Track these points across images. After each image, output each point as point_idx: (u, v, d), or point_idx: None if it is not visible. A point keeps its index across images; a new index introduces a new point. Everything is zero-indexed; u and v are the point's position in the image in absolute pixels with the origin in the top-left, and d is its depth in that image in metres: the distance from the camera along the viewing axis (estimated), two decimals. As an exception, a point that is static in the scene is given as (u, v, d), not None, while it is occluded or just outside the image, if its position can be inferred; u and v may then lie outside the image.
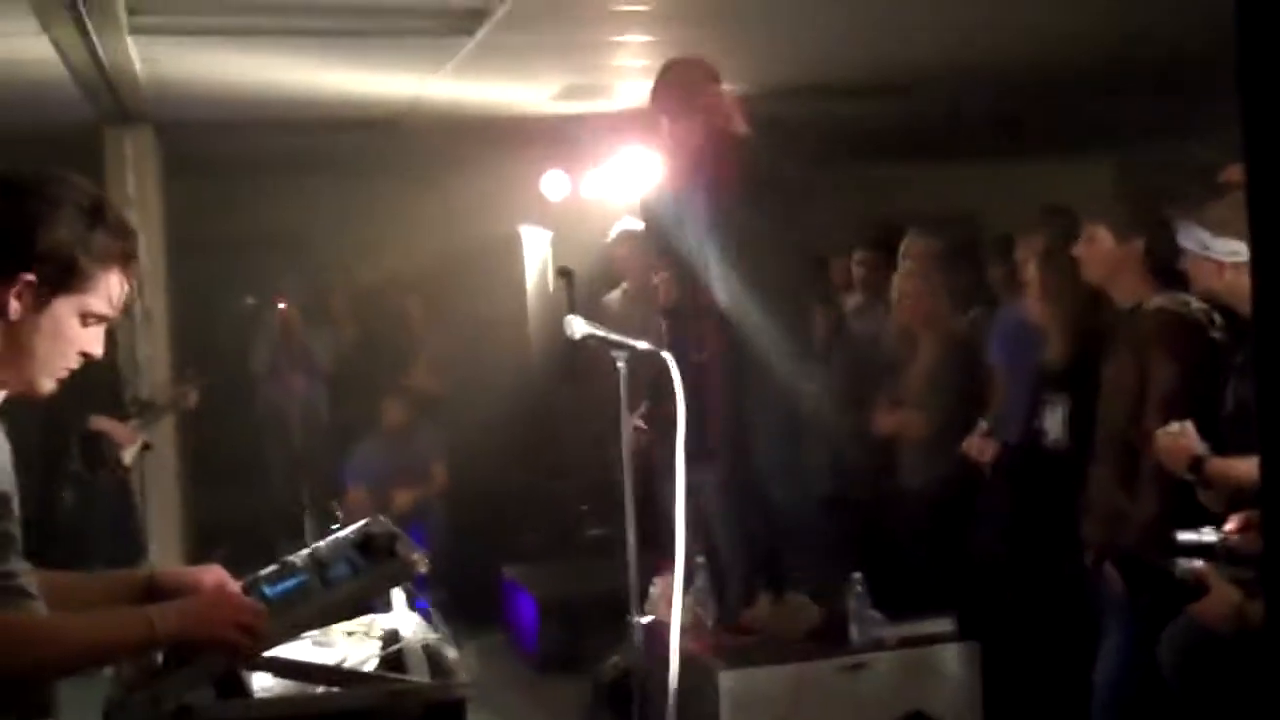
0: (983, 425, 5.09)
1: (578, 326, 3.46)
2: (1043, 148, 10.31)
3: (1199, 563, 3.14)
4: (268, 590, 2.50)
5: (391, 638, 2.77)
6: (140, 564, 7.49)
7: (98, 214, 2.14)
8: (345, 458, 8.51)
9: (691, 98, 4.76)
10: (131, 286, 2.20)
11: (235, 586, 2.43)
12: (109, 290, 2.16)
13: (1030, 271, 4.83)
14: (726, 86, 4.88)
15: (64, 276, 2.11)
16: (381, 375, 8.87)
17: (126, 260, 2.17)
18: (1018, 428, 4.80)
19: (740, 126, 4.80)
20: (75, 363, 2.18)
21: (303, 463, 8.46)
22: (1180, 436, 3.45)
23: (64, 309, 2.12)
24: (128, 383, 7.49)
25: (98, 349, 2.19)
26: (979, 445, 5.06)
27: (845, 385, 5.90)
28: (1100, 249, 4.28)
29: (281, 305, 9.11)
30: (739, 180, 4.66)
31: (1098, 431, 4.28)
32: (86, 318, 2.15)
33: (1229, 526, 3.16)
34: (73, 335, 2.14)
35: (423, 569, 2.47)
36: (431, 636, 2.80)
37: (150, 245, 8.05)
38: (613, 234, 7.13)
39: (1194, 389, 3.84)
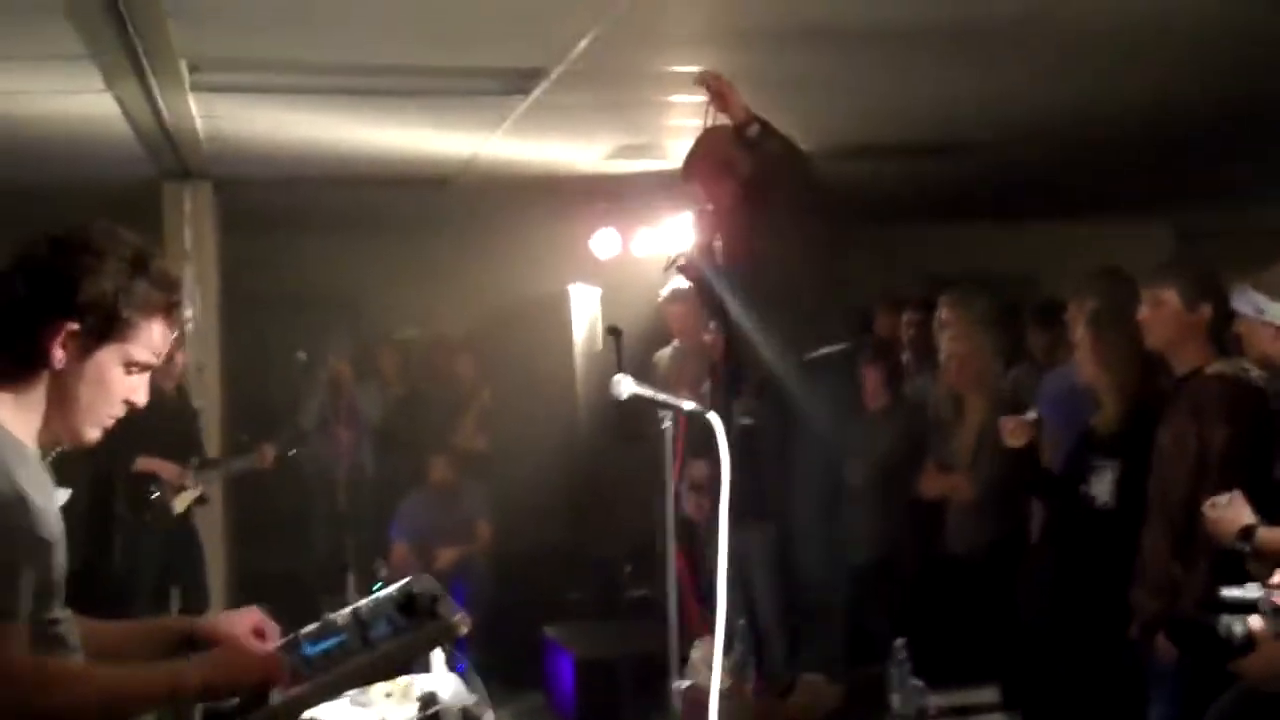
0: (1030, 414, 4.99)
1: (624, 386, 3.44)
2: (1100, 211, 10.27)
3: (1249, 618, 3.08)
4: (308, 648, 2.49)
5: (430, 700, 2.75)
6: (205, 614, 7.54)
7: (140, 265, 2.19)
8: (391, 514, 8.52)
9: (718, 163, 4.82)
10: (175, 335, 2.24)
11: (273, 629, 2.46)
12: (152, 339, 2.21)
13: (1079, 333, 4.77)
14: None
15: (107, 326, 2.16)
16: (429, 433, 8.88)
17: (169, 310, 2.22)
18: (1067, 481, 4.73)
19: (774, 146, 4.83)
20: (120, 410, 2.23)
21: (347, 519, 8.47)
22: (1229, 508, 3.39)
23: (107, 358, 2.18)
24: (193, 437, 7.54)
25: (141, 397, 2.25)
26: (1014, 425, 4.95)
27: (898, 447, 5.86)
28: (1167, 313, 4.24)
29: (333, 361, 9.18)
30: (781, 201, 4.72)
31: (1151, 497, 4.22)
32: (130, 366, 2.21)
33: (1274, 580, 3.10)
34: (116, 383, 2.20)
35: (464, 631, 2.45)
36: (469, 699, 2.78)
37: (205, 299, 8.17)
38: (665, 291, 7.13)
39: (1252, 456, 3.79)
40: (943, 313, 5.70)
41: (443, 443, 8.68)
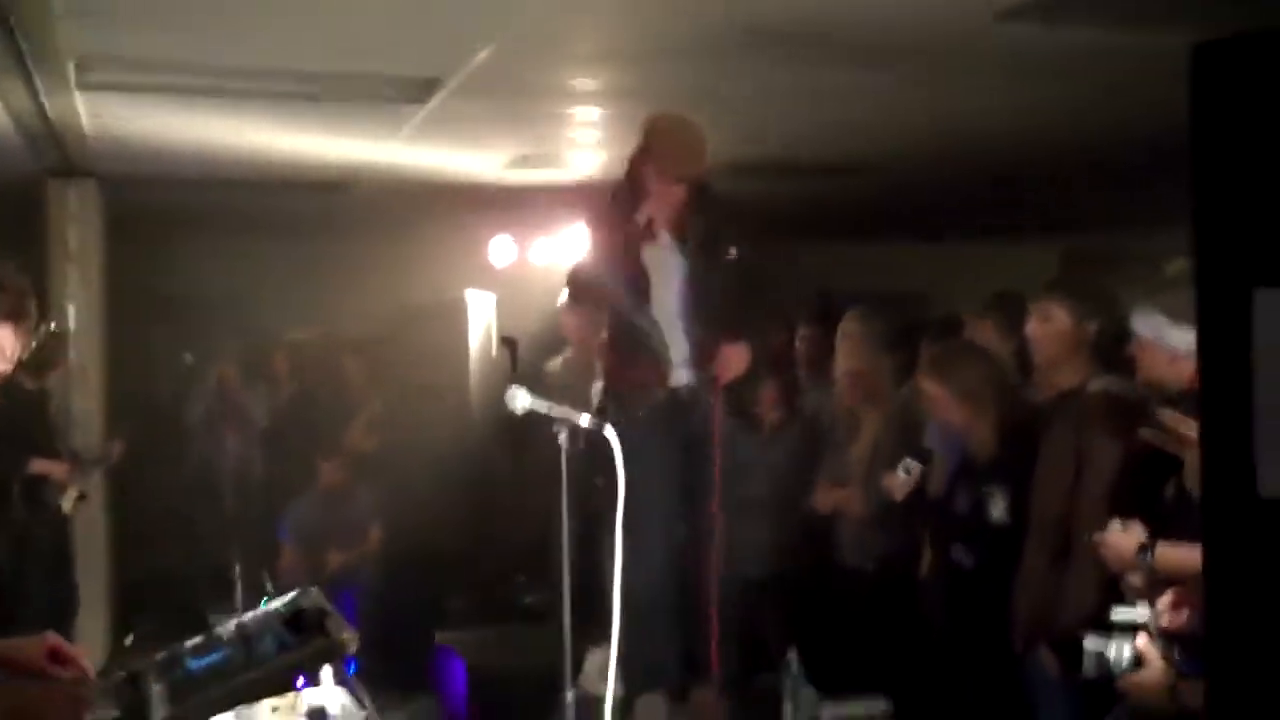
0: (907, 464, 5.01)
1: (520, 400, 3.43)
2: (992, 231, 10.44)
3: (1137, 639, 3.13)
4: (192, 664, 2.43)
5: (318, 714, 2.69)
6: (74, 618, 7.34)
7: None
8: (280, 516, 8.38)
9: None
10: (24, 342, 2.17)
11: (74, 653, 2.41)
12: (1, 347, 2.13)
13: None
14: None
15: None
16: (319, 435, 8.76)
17: (20, 317, 2.14)
18: (961, 506, 4.76)
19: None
20: None
21: (235, 521, 8.33)
22: (1122, 534, 3.43)
23: None
24: (60, 433, 7.37)
25: None
26: (899, 483, 5.00)
27: (792, 462, 5.89)
28: (1055, 329, 4.30)
29: (220, 364, 9.04)
30: (711, 229, 4.74)
31: (1032, 513, 4.27)
32: None
33: (1160, 603, 3.15)
34: None
35: (352, 649, 2.40)
36: (358, 715, 2.73)
37: (90, 300, 7.96)
38: (562, 298, 7.08)
39: (1134, 472, 3.84)
40: (843, 330, 5.73)
41: (334, 445, 8.57)
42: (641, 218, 4.77)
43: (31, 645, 2.39)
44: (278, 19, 4.70)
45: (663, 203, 4.77)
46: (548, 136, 6.88)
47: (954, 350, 4.86)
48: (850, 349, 5.70)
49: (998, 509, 4.47)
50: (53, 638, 2.41)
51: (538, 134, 6.81)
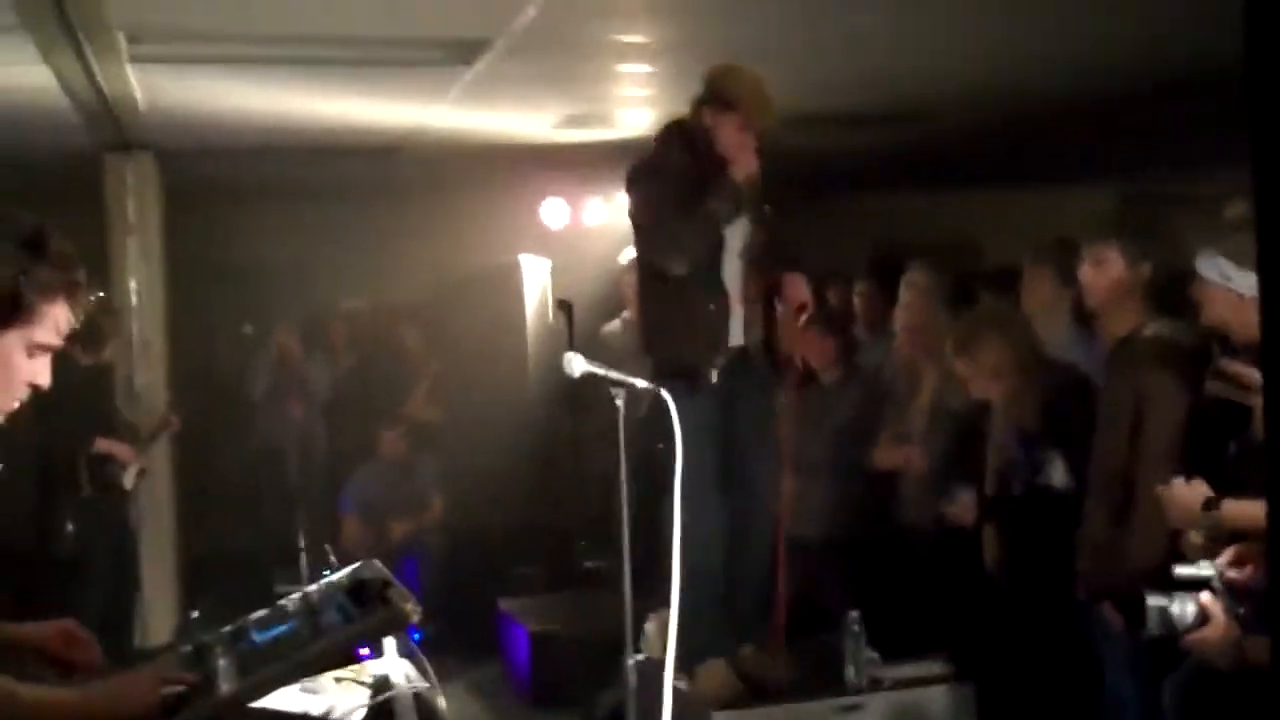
0: (962, 497, 5.02)
1: (576, 365, 3.42)
2: (1044, 176, 10.29)
3: (1202, 595, 3.10)
4: (257, 636, 2.46)
5: (382, 685, 2.71)
6: (135, 595, 7.45)
7: (38, 246, 2.12)
8: (342, 487, 8.46)
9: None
10: (77, 315, 2.18)
11: (86, 640, 2.44)
12: (55, 322, 2.14)
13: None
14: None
15: (7, 311, 2.09)
16: (379, 405, 8.83)
17: (72, 290, 2.16)
18: (1019, 479, 4.71)
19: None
20: (23, 395, 2.17)
21: (299, 492, 8.42)
22: (1191, 490, 3.37)
23: (9, 343, 2.12)
24: (118, 409, 7.46)
25: (44, 379, 2.18)
26: (961, 509, 4.99)
27: (852, 420, 5.86)
28: (1109, 273, 4.23)
29: (280, 334, 9.09)
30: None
31: (1092, 466, 4.22)
32: (33, 350, 2.14)
33: (1222, 559, 3.12)
34: (19, 368, 2.14)
35: (415, 619, 2.42)
36: (422, 685, 2.75)
37: (150, 272, 8.05)
38: (623, 259, 7.03)
39: (1198, 422, 3.79)
40: (905, 284, 5.69)
41: (393, 415, 8.63)
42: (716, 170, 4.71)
43: (44, 630, 2.44)
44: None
45: (740, 153, 4.72)
46: (597, 95, 6.86)
47: (976, 327, 4.81)
48: (911, 303, 5.66)
49: (1058, 474, 4.43)
50: (67, 623, 2.45)
51: (587, 93, 6.79)
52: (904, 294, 5.72)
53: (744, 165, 4.69)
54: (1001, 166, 9.83)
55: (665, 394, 3.43)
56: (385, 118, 7.21)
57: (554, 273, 9.37)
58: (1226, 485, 3.33)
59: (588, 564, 7.75)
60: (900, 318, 5.71)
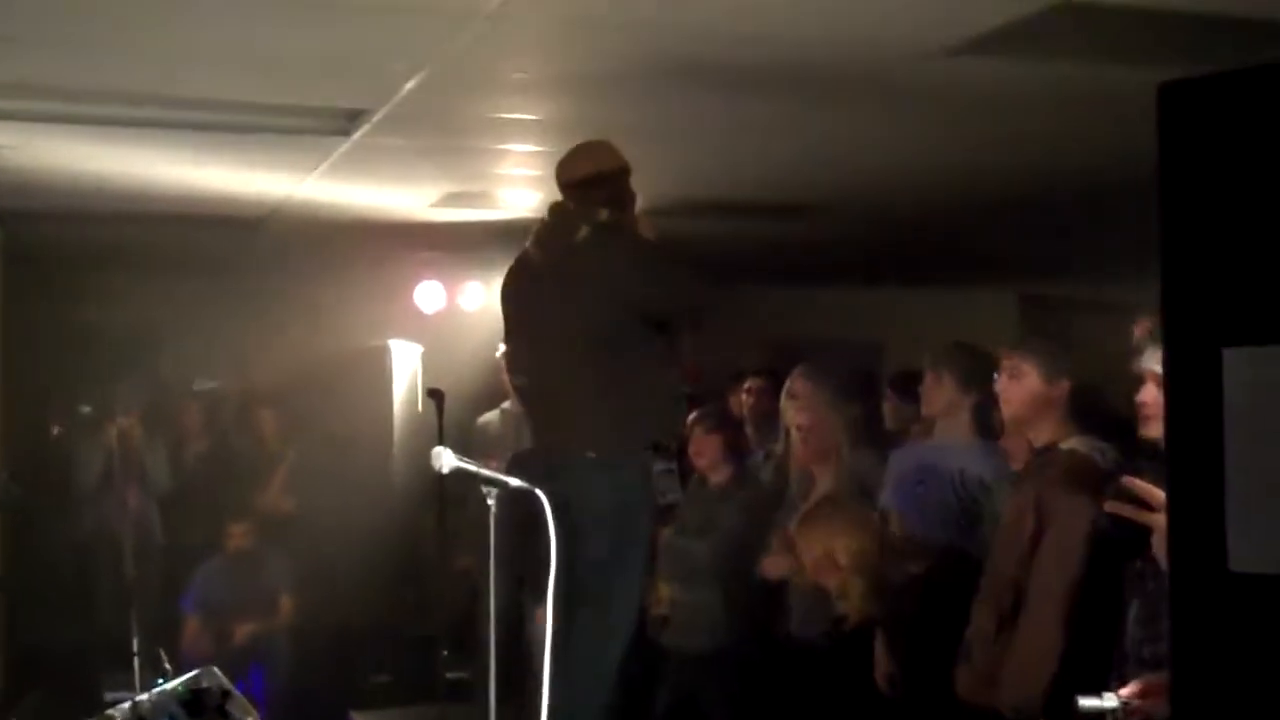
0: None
1: (446, 460, 3.40)
2: (945, 277, 10.53)
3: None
4: (80, 747, 2.38)
5: (218, 804, 2.64)
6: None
7: None
8: (184, 584, 8.26)
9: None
10: None
11: None
12: None
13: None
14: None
15: None
16: (228, 495, 8.67)
17: None
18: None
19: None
20: None
21: (135, 589, 8.19)
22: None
23: None
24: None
25: None
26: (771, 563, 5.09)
27: (739, 525, 5.86)
28: (1026, 386, 4.34)
29: (121, 417, 8.90)
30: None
31: (985, 569, 4.30)
32: None
33: (1127, 691, 3.16)
34: None
35: (256, 733, 2.37)
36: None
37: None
38: (502, 348, 7.01)
39: (1098, 542, 3.86)
40: (794, 383, 5.73)
41: (244, 506, 8.47)
42: None
43: None
44: (191, 45, 4.67)
45: None
46: (479, 173, 6.88)
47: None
48: (802, 403, 5.70)
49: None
50: None
51: (469, 170, 6.80)
52: (797, 393, 5.75)
53: None
54: (906, 265, 10.04)
55: (540, 495, 3.43)
56: (252, 187, 7.15)
57: (425, 358, 9.32)
58: (1121, 605, 3.40)
59: (450, 674, 7.63)
60: (793, 418, 5.74)
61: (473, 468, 3.48)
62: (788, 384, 5.74)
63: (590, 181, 4.62)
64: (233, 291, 9.89)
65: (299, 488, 8.93)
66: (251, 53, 4.77)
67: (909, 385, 5.83)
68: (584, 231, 4.53)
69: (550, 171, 4.92)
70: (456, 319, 9.30)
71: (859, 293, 11.02)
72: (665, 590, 5.82)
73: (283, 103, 5.49)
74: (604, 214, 4.58)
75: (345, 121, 5.68)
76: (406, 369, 9.30)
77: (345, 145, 6.02)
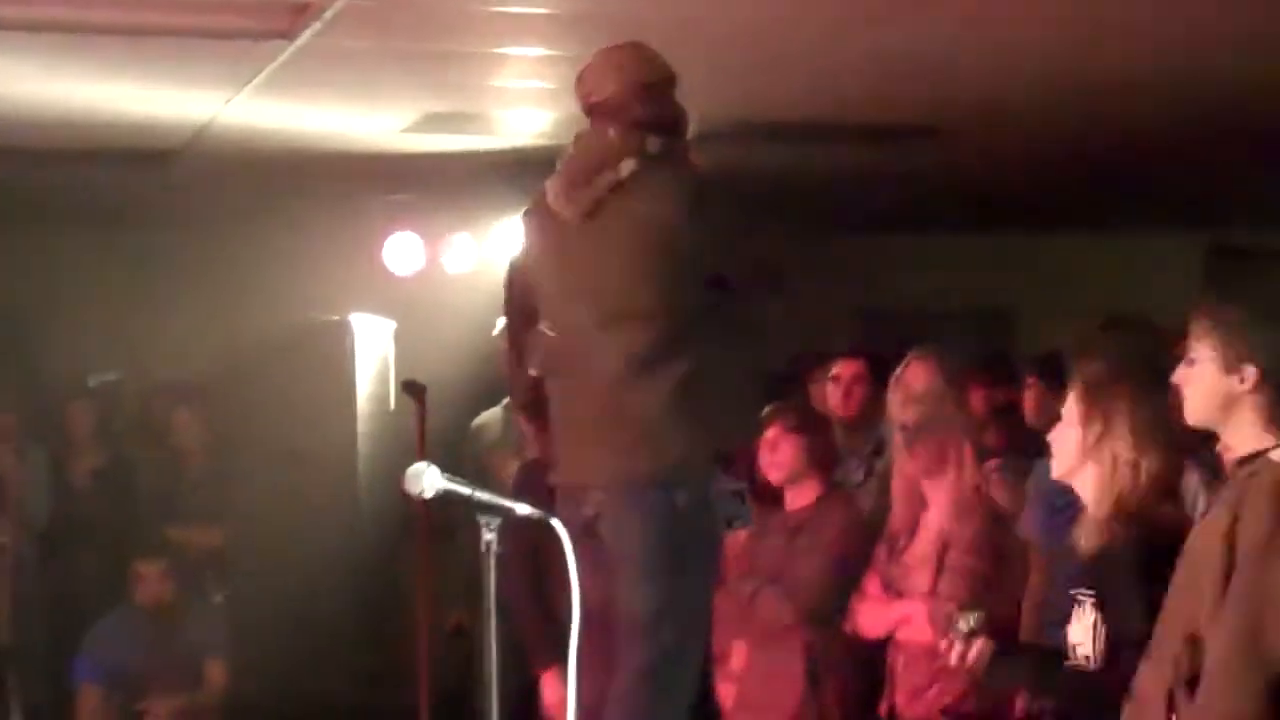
0: (959, 623, 5.08)
1: (429, 481, 3.41)
2: (1102, 222, 10.51)
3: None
4: None
5: None
6: None
7: None
8: (77, 646, 8.33)
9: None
10: None
11: None
12: None
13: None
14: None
15: None
16: (134, 525, 8.74)
17: None
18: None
19: None
20: None
21: (10, 653, 8.30)
22: None
23: None
24: None
25: None
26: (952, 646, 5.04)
27: (826, 564, 5.88)
28: (1204, 374, 4.31)
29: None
30: None
31: (1157, 626, 4.29)
32: None
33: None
34: None
35: None
36: None
37: None
38: (500, 326, 7.07)
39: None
40: (906, 369, 5.73)
41: (156, 541, 8.53)
42: None
43: None
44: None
45: None
46: (468, 87, 6.91)
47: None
48: (913, 396, 5.70)
49: (1085, 626, 4.56)
50: None
51: (454, 83, 6.83)
52: (898, 387, 5.76)
53: None
54: (1043, 205, 10.03)
55: (557, 525, 3.44)
56: (163, 109, 7.19)
57: (399, 338, 9.36)
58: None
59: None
60: (898, 415, 5.73)
61: (465, 490, 3.49)
62: (898, 371, 5.74)
63: (627, 99, 4.62)
64: (138, 250, 9.96)
65: (229, 516, 8.99)
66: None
67: (1058, 370, 5.80)
68: (628, 167, 4.53)
69: (565, 84, 4.93)
70: (439, 285, 9.32)
71: (980, 243, 11.00)
72: (735, 651, 5.85)
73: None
74: (652, 142, 4.57)
75: (286, 20, 5.70)
76: (374, 353, 9.37)
77: (288, 50, 6.04)
